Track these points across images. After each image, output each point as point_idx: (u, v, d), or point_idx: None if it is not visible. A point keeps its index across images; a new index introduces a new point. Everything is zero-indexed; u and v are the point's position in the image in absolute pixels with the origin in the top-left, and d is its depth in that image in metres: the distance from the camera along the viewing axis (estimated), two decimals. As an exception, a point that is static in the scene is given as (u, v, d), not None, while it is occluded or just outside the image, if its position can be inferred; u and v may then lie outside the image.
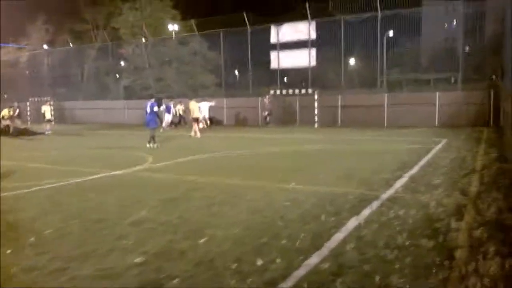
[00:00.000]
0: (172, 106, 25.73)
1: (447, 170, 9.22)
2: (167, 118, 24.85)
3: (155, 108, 15.17)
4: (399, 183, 7.91)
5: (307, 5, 25.79)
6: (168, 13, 38.23)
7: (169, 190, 7.66)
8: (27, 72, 39.92)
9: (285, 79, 30.43)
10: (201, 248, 4.61)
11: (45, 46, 40.13)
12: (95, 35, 39.84)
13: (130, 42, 36.28)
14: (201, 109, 24.98)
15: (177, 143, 16.59)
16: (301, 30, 26.70)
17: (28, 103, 35.67)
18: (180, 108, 26.49)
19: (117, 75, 37.35)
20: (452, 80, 27.78)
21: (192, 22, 31.38)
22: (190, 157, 12.36)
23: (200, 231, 5.18)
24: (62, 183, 8.51)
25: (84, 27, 39.99)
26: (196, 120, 19.98)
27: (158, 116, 15.37)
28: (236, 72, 35.11)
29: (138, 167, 10.48)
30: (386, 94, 24.86)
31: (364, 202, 6.51)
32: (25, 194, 7.69)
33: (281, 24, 27.32)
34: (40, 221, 5.80)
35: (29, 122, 32.03)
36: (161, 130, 22.56)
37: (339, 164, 10.41)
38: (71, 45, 37.46)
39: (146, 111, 15.32)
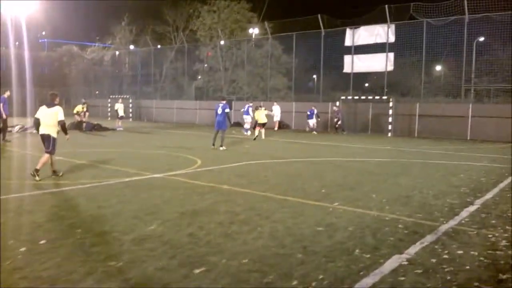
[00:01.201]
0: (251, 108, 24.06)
1: (532, 199, 7.59)
2: (247, 120, 23.66)
3: (227, 110, 14.78)
4: (466, 212, 6.55)
5: (386, 7, 24.12)
6: (245, 16, 38.28)
7: (195, 201, 6.99)
8: (109, 70, 42.01)
9: (362, 84, 28.77)
10: (191, 282, 3.83)
11: (131, 47, 42.11)
12: (174, 36, 40.95)
13: (206, 44, 36.74)
14: (274, 112, 24.62)
15: (240, 147, 16.03)
16: (379, 33, 25.04)
17: (109, 100, 37.45)
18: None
19: (193, 76, 38.02)
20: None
21: (266, 24, 30.87)
22: (243, 162, 11.70)
23: (203, 258, 4.41)
24: (90, 185, 8.21)
25: (165, 28, 41.32)
26: (263, 125, 20.42)
27: (229, 118, 14.93)
28: (311, 76, 34.09)
29: (180, 171, 10.00)
30: (470, 104, 22.43)
31: (415, 235, 5.34)
32: (41, 195, 7.46)
33: (358, 27, 25.85)
34: (34, 225, 5.41)
35: (109, 118, 33.47)
36: (247, 133, 22.51)
37: (400, 182, 9.10)
38: (151, 45, 38.82)
39: (216, 112, 14.92)
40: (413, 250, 4.77)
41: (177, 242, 4.91)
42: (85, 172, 9.70)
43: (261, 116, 20.75)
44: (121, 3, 41.68)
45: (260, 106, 21.78)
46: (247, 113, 23.56)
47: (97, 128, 23.43)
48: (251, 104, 24.19)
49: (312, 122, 24.92)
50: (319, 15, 26.46)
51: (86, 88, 43.29)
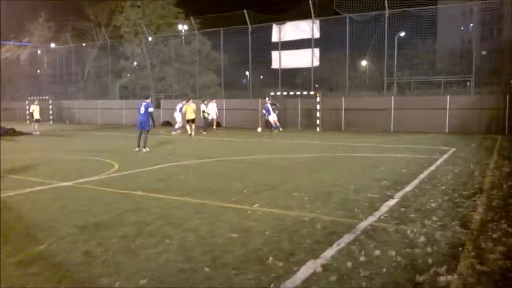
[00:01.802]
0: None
1: (449, 189, 7.71)
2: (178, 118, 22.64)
3: (150, 109, 13.87)
4: (385, 207, 6.45)
5: (310, 2, 24.33)
6: (170, 11, 37.09)
7: (101, 211, 6.31)
8: (27, 70, 39.04)
9: (292, 80, 28.85)
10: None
11: (51, 45, 39.33)
12: (96, 33, 38.83)
13: (131, 40, 35.20)
14: (210, 110, 23.63)
15: (165, 148, 15.27)
16: (304, 29, 25.27)
17: (27, 102, 34.80)
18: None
19: (118, 75, 36.30)
20: (467, 84, 26.05)
21: (192, 20, 30.10)
22: (164, 164, 11.04)
23: (94, 280, 3.82)
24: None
25: (86, 25, 39.01)
26: (191, 121, 20.29)
27: (152, 118, 13.99)
28: (243, 72, 33.77)
29: (93, 178, 9.17)
30: (393, 97, 23.26)
31: (332, 235, 5.08)
32: None
33: (284, 23, 25.89)
34: None
35: (27, 121, 30.98)
36: (176, 132, 21.69)
37: (323, 178, 8.95)
38: (71, 43, 36.56)
39: (139, 111, 13.95)
40: (329, 253, 4.48)
41: (68, 263, 4.26)
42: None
43: (188, 111, 20.25)
44: (37, -3, 38.75)
45: (186, 101, 21.22)
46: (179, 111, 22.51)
47: (11, 132, 21.54)
48: (183, 103, 23.06)
49: (273, 118, 22.41)
50: (245, 11, 26.17)
51: (1, 90, 39.93)
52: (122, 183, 8.56)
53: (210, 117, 23.86)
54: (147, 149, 13.83)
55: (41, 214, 6.25)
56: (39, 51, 38.82)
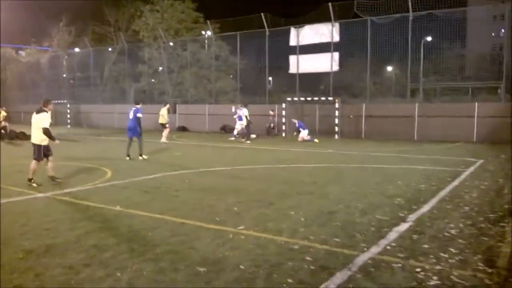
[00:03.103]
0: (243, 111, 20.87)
1: (473, 211, 6.60)
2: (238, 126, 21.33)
3: (139, 115, 13.04)
4: (395, 233, 5.42)
5: (330, 5, 23.31)
6: (190, 16, 36.68)
7: (61, 231, 5.48)
8: (47, 74, 39.21)
9: (311, 85, 27.73)
10: None
11: (71, 49, 39.48)
12: (116, 37, 38.71)
13: (150, 45, 34.87)
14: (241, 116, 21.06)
15: (168, 155, 14.50)
16: (323, 32, 24.22)
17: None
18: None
19: (136, 79, 36.00)
20: (497, 91, 24.46)
21: (209, 23, 29.48)
22: (159, 174, 10.24)
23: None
24: None
25: (106, 29, 38.98)
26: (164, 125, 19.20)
27: (139, 124, 13.12)
28: (263, 77, 33.00)
29: (77, 188, 8.42)
30: (416, 104, 21.94)
31: (322, 272, 4.10)
32: None
33: (302, 26, 24.93)
34: None
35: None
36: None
37: (328, 194, 7.93)
38: (90, 48, 36.52)
39: (128, 117, 13.28)
40: (312, 300, 3.52)
41: (-17, 305, 3.43)
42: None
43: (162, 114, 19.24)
44: (58, 3, 38.94)
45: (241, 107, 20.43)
46: (240, 118, 20.92)
47: (21, 136, 21.22)
48: (241, 108, 21.01)
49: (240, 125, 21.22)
50: (262, 14, 25.35)
51: (22, 93, 40.30)
52: (104, 195, 7.76)
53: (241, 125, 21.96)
54: (144, 156, 12.96)
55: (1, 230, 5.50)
56: (58, 55, 38.94)
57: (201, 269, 4.18)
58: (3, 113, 21.50)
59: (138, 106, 13.30)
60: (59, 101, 33.47)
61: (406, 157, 13.91)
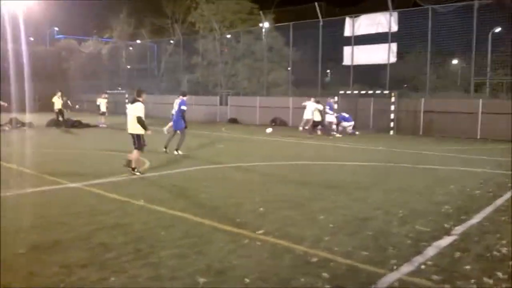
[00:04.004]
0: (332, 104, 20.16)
1: (533, 225, 5.69)
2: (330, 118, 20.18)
3: (183, 107, 12.48)
4: (435, 248, 4.71)
5: (388, -7, 22.02)
6: (245, 7, 36.40)
7: (78, 225, 5.29)
8: (107, 65, 40.63)
9: (360, 77, 26.55)
10: None
11: (131, 41, 40.69)
12: (173, 29, 39.30)
13: (205, 36, 35.03)
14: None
15: (212, 148, 14.30)
16: (380, 22, 22.94)
17: (106, 95, 36.07)
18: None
19: (191, 71, 36.37)
20: None
21: (262, 15, 29.00)
22: (194, 167, 10.00)
23: None
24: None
25: (164, 21, 39.68)
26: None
27: (183, 117, 12.53)
28: (307, 69, 32.10)
29: (108, 179, 8.34)
30: (481, 100, 20.24)
31: (336, 294, 3.55)
32: None
33: (358, 16, 23.79)
34: None
35: (106, 114, 31.59)
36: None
37: (367, 197, 7.24)
38: (148, 39, 37.33)
39: (174, 109, 12.82)
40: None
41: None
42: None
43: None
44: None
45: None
46: (331, 109, 20.11)
47: (77, 124, 22.03)
48: (331, 101, 20.44)
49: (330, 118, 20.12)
50: (316, 3, 24.47)
51: (85, 82, 42.10)
52: (132, 188, 7.59)
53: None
54: (180, 152, 12.07)
55: (16, 221, 5.42)
56: (117, 47, 40.20)
57: (201, 280, 3.77)
58: (58, 99, 21.78)
59: (184, 98, 12.73)
60: (117, 91, 34.54)
61: (464, 158, 12.72)
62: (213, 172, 9.50)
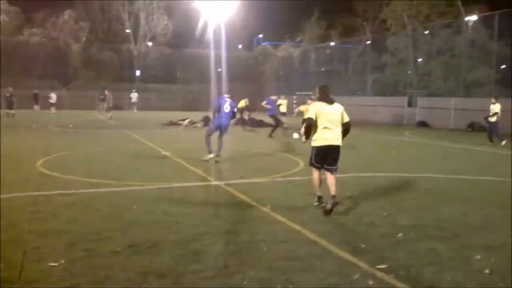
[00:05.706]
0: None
1: None
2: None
3: (235, 109, 10.72)
4: None
5: None
6: (443, -1, 32.76)
7: (186, 227, 5.03)
8: (298, 68, 41.92)
9: None
10: None
11: (321, 43, 41.27)
12: (363, 28, 38.15)
13: (396, 34, 32.85)
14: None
15: (384, 153, 12.99)
16: None
17: (294, 97, 37.25)
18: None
19: (379, 70, 34.61)
20: None
21: (460, 5, 25.43)
22: (346, 174, 8.99)
23: None
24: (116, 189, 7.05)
25: (353, 21, 38.87)
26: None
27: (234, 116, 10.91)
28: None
29: (254, 179, 8.08)
30: None
31: None
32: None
33: None
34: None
35: (294, 115, 32.45)
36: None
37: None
38: (337, 40, 37.05)
39: (222, 109, 10.20)
40: None
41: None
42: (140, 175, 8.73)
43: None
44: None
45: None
46: None
47: (260, 124, 23.00)
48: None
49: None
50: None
51: (277, 84, 44.42)
52: (269, 191, 7.18)
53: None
54: (218, 157, 10.23)
55: (138, 216, 5.50)
56: (307, 50, 41.04)
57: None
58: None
59: (230, 98, 10.60)
60: (304, 93, 35.10)
61: None
62: (365, 181, 8.29)
